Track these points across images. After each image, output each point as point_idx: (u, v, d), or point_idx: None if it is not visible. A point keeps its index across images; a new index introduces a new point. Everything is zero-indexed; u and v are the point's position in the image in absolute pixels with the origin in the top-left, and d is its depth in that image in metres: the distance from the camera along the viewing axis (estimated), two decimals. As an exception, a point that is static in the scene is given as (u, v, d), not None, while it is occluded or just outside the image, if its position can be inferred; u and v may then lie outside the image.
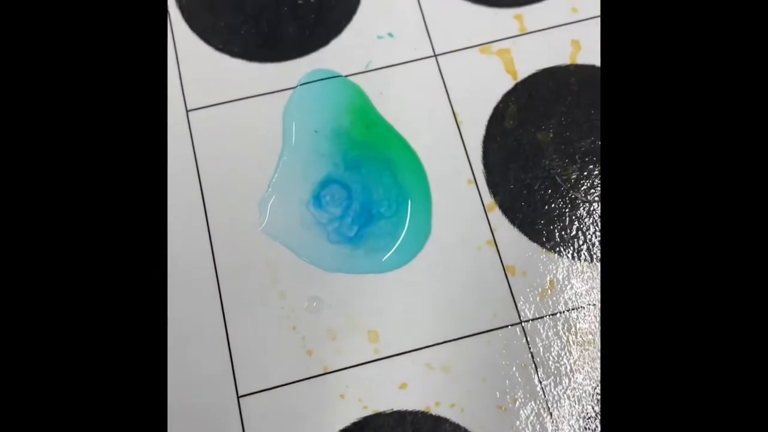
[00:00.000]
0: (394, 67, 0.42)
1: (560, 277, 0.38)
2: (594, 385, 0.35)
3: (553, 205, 0.39)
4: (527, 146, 0.40)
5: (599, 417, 0.35)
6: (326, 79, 0.42)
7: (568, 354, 0.36)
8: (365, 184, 0.39)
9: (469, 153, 0.40)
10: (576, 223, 0.39)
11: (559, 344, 0.36)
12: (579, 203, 0.39)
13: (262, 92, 0.42)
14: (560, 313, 0.37)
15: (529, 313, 0.37)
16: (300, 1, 0.44)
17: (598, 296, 0.37)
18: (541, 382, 0.35)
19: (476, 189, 0.39)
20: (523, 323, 0.37)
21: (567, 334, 0.36)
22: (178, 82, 0.42)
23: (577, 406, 0.35)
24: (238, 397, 0.35)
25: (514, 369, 0.36)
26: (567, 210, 0.39)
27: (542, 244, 0.38)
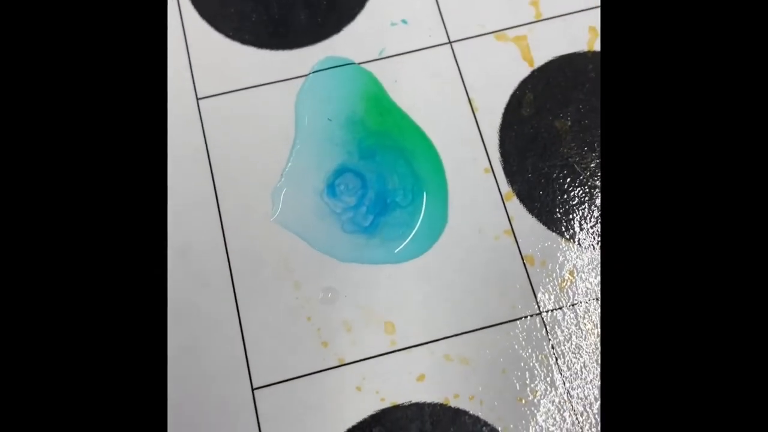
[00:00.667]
0: (408, 55, 0.42)
1: (580, 267, 0.37)
2: (616, 376, 0.35)
3: (572, 194, 0.38)
4: (545, 134, 0.40)
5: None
6: (339, 66, 0.41)
7: (588, 345, 0.35)
8: (380, 172, 0.39)
9: (485, 141, 0.39)
10: (596, 212, 0.38)
11: (579, 335, 0.35)
12: (598, 192, 0.38)
13: (273, 80, 0.41)
14: (580, 303, 0.36)
15: (549, 303, 0.36)
16: (311, -12, 0.43)
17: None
18: (561, 374, 0.35)
19: (493, 178, 0.39)
20: (542, 314, 0.36)
21: (588, 324, 0.36)
22: (188, 69, 0.41)
23: (599, 398, 0.34)
24: (253, 390, 0.34)
25: (534, 360, 0.35)
26: (586, 199, 0.38)
27: (561, 234, 0.37)
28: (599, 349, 0.35)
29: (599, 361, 0.35)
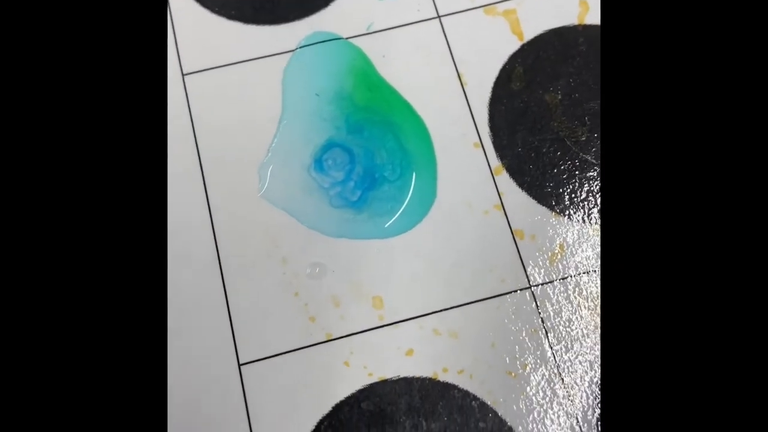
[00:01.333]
0: (396, 29, 0.41)
1: (570, 241, 0.36)
2: (606, 349, 0.34)
3: (562, 168, 0.38)
4: (535, 108, 0.39)
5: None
6: (326, 41, 0.41)
7: (578, 318, 0.35)
8: (368, 147, 0.38)
9: (474, 116, 0.39)
10: (586, 185, 0.37)
11: (569, 308, 0.35)
12: (589, 165, 0.38)
13: (260, 55, 0.40)
14: (570, 277, 0.36)
15: (539, 277, 0.36)
16: (298, -37, 0.42)
17: (610, 260, 0.36)
18: (551, 347, 0.34)
19: (483, 152, 0.38)
20: (532, 288, 0.35)
21: (578, 298, 0.35)
22: (174, 45, 0.41)
23: (589, 371, 0.34)
24: (240, 366, 0.34)
25: (523, 334, 0.35)
26: (576, 172, 0.38)
27: (551, 208, 0.37)
28: (589, 322, 0.35)
29: (589, 335, 0.35)
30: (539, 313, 0.35)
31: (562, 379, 0.34)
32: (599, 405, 0.33)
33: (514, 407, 0.33)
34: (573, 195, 0.37)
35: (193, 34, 0.41)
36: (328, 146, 0.38)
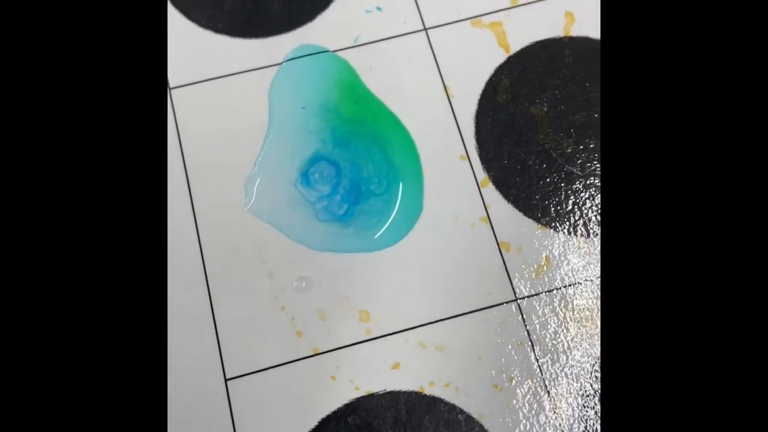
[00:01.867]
0: (383, 42, 0.41)
1: (556, 253, 0.36)
2: (592, 362, 0.34)
3: (548, 180, 0.38)
4: (521, 120, 0.39)
5: (598, 395, 0.34)
6: (313, 54, 0.41)
7: (565, 331, 0.35)
8: (354, 161, 0.38)
9: (461, 128, 0.39)
10: (572, 197, 0.38)
11: (555, 321, 0.35)
12: (575, 177, 0.38)
13: (247, 69, 0.40)
14: (557, 289, 0.36)
15: (525, 290, 0.36)
16: (285, -25, 0.43)
17: (595, 272, 0.36)
18: (537, 360, 0.34)
19: (469, 165, 0.38)
20: (518, 300, 0.36)
21: (564, 310, 0.35)
22: (161, 59, 0.41)
23: (575, 384, 0.34)
24: (226, 381, 0.34)
25: (509, 347, 0.35)
26: (562, 185, 0.38)
27: (537, 220, 0.37)
28: (575, 335, 0.35)
29: (575, 347, 0.35)
30: (525, 325, 0.35)
31: (548, 392, 0.34)
32: (586, 418, 0.33)
33: (501, 420, 0.33)
34: (559, 207, 0.37)
35: (180, 48, 0.41)
36: (315, 160, 0.38)
